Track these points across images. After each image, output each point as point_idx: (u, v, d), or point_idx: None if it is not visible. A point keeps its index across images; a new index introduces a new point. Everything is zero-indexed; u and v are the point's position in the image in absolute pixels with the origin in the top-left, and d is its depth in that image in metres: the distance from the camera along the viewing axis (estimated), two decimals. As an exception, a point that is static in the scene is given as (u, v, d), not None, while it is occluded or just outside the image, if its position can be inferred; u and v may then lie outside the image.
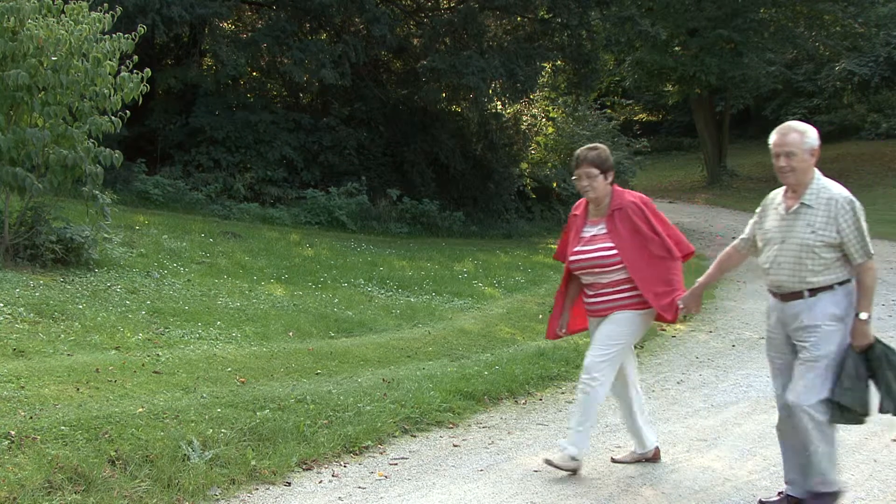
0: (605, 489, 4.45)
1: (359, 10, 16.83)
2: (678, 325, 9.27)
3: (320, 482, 4.40)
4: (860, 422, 3.95)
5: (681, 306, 4.49)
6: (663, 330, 8.91)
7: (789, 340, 4.05)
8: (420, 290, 10.11)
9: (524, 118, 22.85)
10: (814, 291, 3.91)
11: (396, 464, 4.75)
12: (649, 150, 25.47)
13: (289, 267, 10.46)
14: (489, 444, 5.18)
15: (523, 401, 6.18)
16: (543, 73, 21.58)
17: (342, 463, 4.69)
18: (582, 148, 4.75)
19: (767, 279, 4.10)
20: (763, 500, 4.22)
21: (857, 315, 3.90)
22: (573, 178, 4.71)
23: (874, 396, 3.89)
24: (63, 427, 4.19)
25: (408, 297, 9.65)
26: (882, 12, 26.58)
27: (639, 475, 4.67)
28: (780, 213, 4.05)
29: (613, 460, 4.88)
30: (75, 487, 3.78)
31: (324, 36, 18.59)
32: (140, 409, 4.59)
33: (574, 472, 4.60)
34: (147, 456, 4.15)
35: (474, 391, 6.07)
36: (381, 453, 4.90)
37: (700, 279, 4.45)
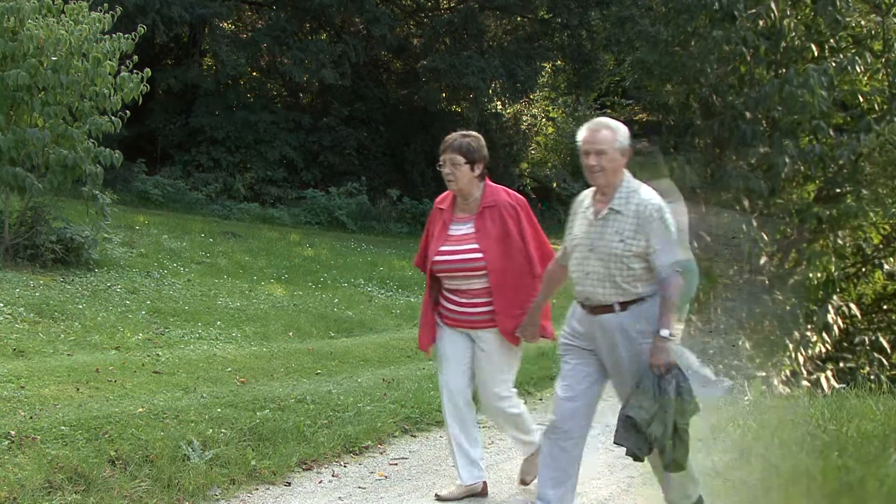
0: (605, 489, 4.46)
1: (359, 10, 16.86)
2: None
3: (320, 482, 4.40)
4: (645, 452, 3.58)
5: (517, 334, 4.07)
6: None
7: (592, 353, 3.71)
8: (420, 290, 10.07)
9: (524, 118, 22.89)
10: (624, 305, 3.57)
11: (396, 464, 4.74)
12: (650, 150, 25.43)
13: (289, 267, 10.47)
14: (489, 445, 5.17)
15: (523, 401, 6.17)
16: (543, 73, 21.61)
17: (342, 463, 4.69)
18: (455, 133, 4.25)
19: (575, 289, 3.73)
20: None
21: (657, 332, 3.50)
22: (438, 164, 4.19)
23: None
24: (63, 427, 4.18)
25: (408, 297, 9.65)
26: (882, 12, 26.56)
27: (639, 475, 4.66)
28: (588, 218, 3.67)
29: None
30: (75, 487, 3.78)
31: (324, 36, 18.61)
32: (140, 409, 4.59)
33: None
34: (147, 456, 4.15)
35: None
36: (381, 453, 4.90)
37: (531, 305, 4.03)
